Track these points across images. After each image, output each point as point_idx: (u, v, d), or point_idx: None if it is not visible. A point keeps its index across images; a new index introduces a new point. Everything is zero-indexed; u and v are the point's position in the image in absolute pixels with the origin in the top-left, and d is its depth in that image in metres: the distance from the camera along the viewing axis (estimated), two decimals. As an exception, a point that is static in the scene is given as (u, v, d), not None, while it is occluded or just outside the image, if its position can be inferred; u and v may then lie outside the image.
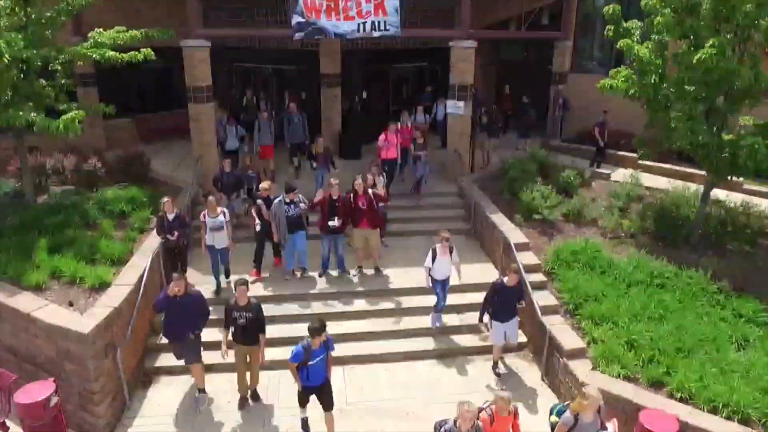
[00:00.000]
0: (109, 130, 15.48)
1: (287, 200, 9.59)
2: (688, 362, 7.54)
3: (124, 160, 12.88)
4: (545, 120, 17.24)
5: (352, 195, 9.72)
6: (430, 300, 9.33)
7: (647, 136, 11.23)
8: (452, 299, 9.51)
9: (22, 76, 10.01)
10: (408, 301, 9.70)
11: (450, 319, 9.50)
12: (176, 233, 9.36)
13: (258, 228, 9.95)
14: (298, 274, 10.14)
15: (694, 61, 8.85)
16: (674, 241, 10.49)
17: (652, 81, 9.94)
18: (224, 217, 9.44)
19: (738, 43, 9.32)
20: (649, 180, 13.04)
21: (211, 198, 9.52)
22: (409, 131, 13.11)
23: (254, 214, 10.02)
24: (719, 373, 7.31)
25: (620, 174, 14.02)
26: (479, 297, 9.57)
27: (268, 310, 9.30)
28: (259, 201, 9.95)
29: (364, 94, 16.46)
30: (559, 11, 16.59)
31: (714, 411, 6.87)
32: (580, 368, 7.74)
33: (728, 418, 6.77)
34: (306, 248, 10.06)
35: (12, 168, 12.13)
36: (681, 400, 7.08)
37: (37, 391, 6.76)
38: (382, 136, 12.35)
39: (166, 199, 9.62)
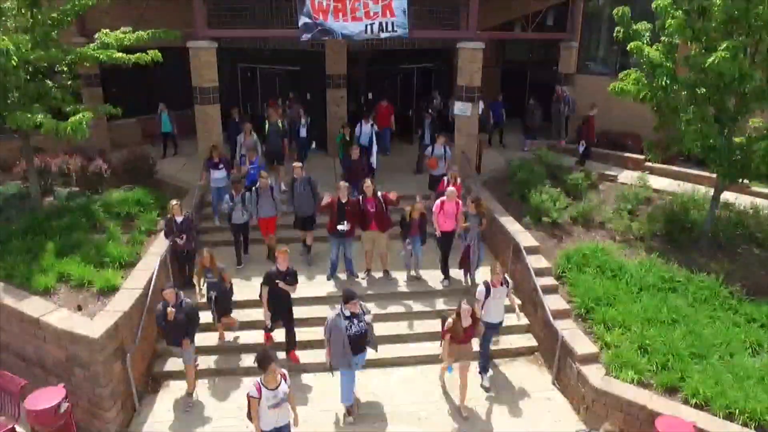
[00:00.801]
0: (114, 131, 15.46)
1: (347, 313, 7.23)
2: (702, 368, 7.48)
3: (129, 161, 12.83)
4: (551, 121, 17.20)
5: (361, 198, 9.65)
6: (440, 304, 9.27)
7: (657, 139, 11.17)
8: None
9: (28, 77, 9.97)
10: (418, 305, 9.64)
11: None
12: (184, 237, 9.31)
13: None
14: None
15: (707, 65, 8.79)
16: (684, 245, 10.44)
17: (663, 83, 9.87)
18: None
19: (750, 45, 9.26)
20: (655, 182, 12.99)
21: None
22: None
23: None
24: (734, 379, 7.25)
25: (627, 176, 13.96)
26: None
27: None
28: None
29: (370, 95, 16.39)
30: (565, 12, 16.55)
31: (729, 418, 6.82)
32: (594, 374, 7.68)
33: (744, 425, 6.71)
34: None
35: (17, 170, 12.09)
36: (696, 406, 7.02)
37: (48, 397, 6.72)
38: (437, 205, 9.76)
39: (174, 202, 9.58)
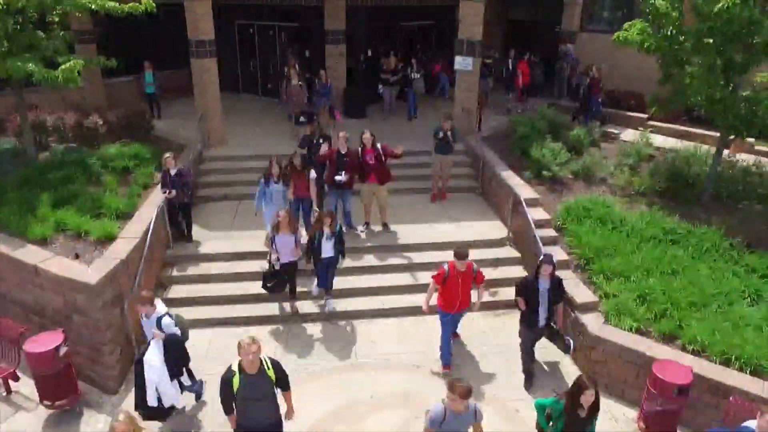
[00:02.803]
0: (110, 89, 15.27)
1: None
2: (700, 316, 7.48)
3: (125, 118, 12.68)
4: (552, 79, 16.96)
5: (360, 149, 9.52)
6: (440, 255, 9.24)
7: (661, 94, 10.98)
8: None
9: (18, 27, 9.74)
10: (417, 257, 9.61)
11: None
12: (173, 192, 9.19)
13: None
14: None
15: (715, 11, 8.56)
16: (685, 200, 10.37)
17: (669, 33, 9.64)
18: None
19: (759, -7, 9.01)
20: (658, 140, 12.87)
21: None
22: None
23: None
24: (731, 327, 7.24)
25: (629, 134, 13.90)
26: (488, 253, 9.57)
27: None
28: None
29: (369, 53, 16.10)
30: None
31: (726, 363, 6.83)
32: (592, 321, 7.68)
33: (740, 369, 6.73)
34: None
35: (12, 125, 11.92)
36: (693, 352, 7.03)
37: (47, 340, 6.74)
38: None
39: (168, 154, 9.46)
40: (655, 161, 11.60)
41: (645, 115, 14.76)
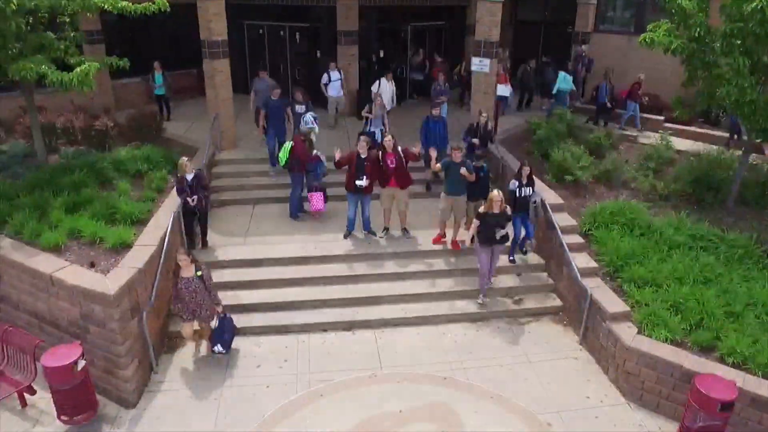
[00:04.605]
0: (119, 91, 15.02)
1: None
2: (737, 326, 7.24)
3: (135, 120, 12.45)
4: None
5: (380, 153, 9.28)
6: (461, 262, 9.00)
7: (684, 97, 10.76)
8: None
9: (29, 28, 9.50)
10: (439, 264, 9.36)
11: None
12: (195, 198, 8.94)
13: None
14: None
15: (749, 10, 8.32)
16: (710, 204, 10.14)
17: (696, 34, 9.41)
18: None
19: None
20: (676, 143, 12.62)
21: None
22: None
23: None
24: (772, 338, 7.01)
25: (647, 136, 13.66)
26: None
27: (293, 272, 9.08)
28: None
29: (381, 53, 15.87)
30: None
31: (768, 376, 6.61)
32: (625, 332, 7.43)
33: (785, 384, 6.51)
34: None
35: (21, 128, 11.67)
36: (733, 365, 6.79)
37: (64, 354, 6.49)
38: None
39: (185, 158, 9.22)
40: (678, 165, 11.35)
41: (661, 117, 14.55)
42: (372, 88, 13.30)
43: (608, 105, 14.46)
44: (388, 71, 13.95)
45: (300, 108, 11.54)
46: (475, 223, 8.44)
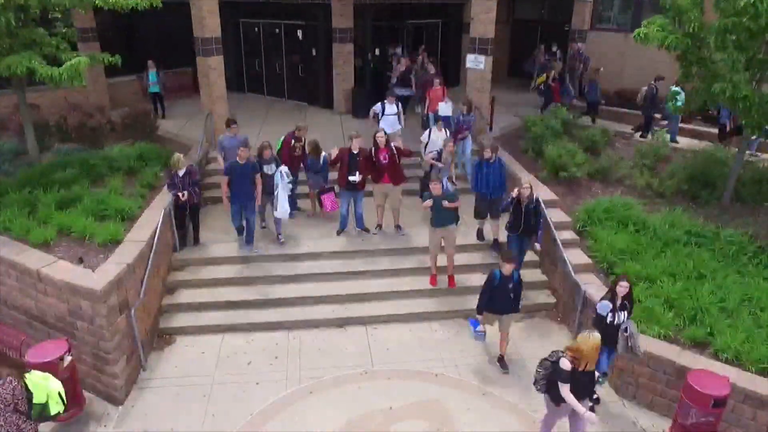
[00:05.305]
0: (113, 88, 14.99)
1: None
2: (731, 322, 7.17)
3: (129, 118, 12.41)
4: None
5: (373, 149, 9.22)
6: (455, 258, 8.92)
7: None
8: (474, 258, 9.23)
9: (20, 23, 9.44)
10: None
11: (479, 279, 9.09)
12: (185, 193, 8.87)
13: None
14: None
15: (742, 5, 8.26)
16: (706, 201, 10.08)
17: (692, 29, 9.35)
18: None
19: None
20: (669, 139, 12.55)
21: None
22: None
23: None
24: (766, 334, 6.94)
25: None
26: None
27: (285, 269, 9.02)
28: None
29: (377, 51, 15.81)
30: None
31: (762, 372, 6.52)
32: (618, 328, 7.36)
33: (778, 378, 6.43)
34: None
35: (13, 125, 11.62)
36: (726, 361, 6.72)
37: (50, 350, 6.43)
38: None
39: (177, 154, 9.15)
40: (673, 162, 11.29)
41: (658, 115, 14.47)
42: (374, 108, 11.80)
43: (603, 103, 14.39)
44: (390, 94, 12.01)
45: (269, 168, 9.26)
46: (565, 387, 5.62)
